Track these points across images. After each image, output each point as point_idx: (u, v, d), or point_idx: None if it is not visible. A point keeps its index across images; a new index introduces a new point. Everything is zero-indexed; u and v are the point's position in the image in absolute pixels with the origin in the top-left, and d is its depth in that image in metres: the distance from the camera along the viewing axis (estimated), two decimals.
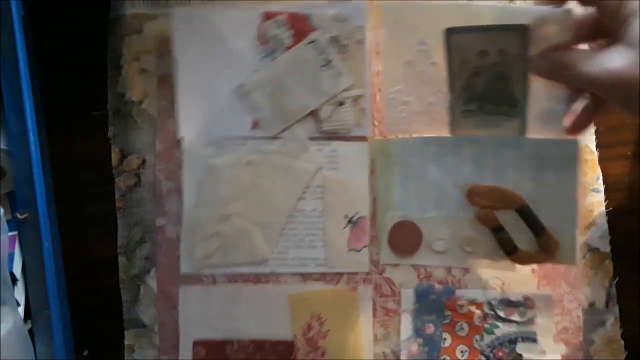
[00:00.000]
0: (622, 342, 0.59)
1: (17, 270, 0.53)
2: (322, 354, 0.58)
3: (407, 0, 0.52)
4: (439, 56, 0.52)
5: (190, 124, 0.58)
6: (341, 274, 0.59)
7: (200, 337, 0.58)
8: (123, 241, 0.59)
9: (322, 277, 0.59)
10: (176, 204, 0.59)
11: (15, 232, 0.54)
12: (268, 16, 0.57)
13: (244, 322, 0.59)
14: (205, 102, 0.58)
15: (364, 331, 0.59)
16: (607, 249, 0.59)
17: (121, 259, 0.59)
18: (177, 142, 0.59)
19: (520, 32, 0.47)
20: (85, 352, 0.59)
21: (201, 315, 0.59)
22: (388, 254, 0.58)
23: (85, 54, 0.60)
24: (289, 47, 0.57)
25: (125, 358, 0.59)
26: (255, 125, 0.58)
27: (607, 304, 0.59)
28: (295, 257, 0.59)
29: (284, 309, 0.58)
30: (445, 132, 0.55)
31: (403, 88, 0.56)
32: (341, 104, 0.57)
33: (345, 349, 0.58)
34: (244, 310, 0.59)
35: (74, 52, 0.60)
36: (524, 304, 0.57)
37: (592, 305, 0.59)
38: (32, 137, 0.51)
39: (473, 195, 0.55)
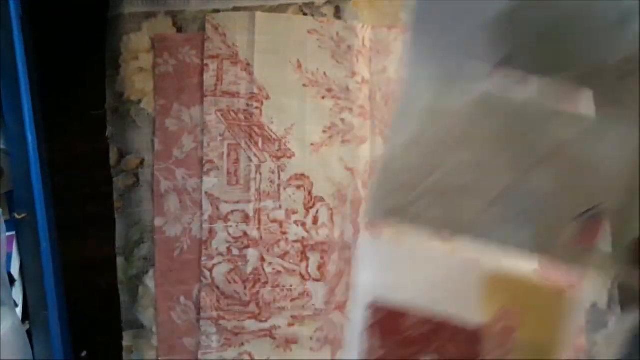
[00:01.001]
0: None
1: (15, 270, 0.53)
2: (507, 353, 0.48)
3: None
4: None
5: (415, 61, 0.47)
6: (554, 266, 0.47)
7: (375, 297, 0.47)
8: (122, 241, 0.59)
9: (529, 262, 0.47)
10: (175, 203, 0.59)
11: (13, 233, 0.54)
12: None
13: (426, 290, 0.49)
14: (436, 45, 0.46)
15: (564, 344, 0.47)
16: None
17: (120, 260, 0.59)
18: (178, 139, 0.59)
19: None
20: (84, 353, 0.59)
21: (380, 272, 0.49)
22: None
23: (84, 54, 0.60)
24: None
25: (124, 359, 0.58)
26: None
27: (609, 305, 0.59)
28: (501, 233, 0.47)
29: (475, 289, 0.48)
30: None
31: None
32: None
33: (536, 355, 0.48)
34: (429, 277, 0.49)
35: (73, 52, 0.60)
36: None
37: (593, 306, 0.58)
38: (30, 137, 0.51)
39: None
